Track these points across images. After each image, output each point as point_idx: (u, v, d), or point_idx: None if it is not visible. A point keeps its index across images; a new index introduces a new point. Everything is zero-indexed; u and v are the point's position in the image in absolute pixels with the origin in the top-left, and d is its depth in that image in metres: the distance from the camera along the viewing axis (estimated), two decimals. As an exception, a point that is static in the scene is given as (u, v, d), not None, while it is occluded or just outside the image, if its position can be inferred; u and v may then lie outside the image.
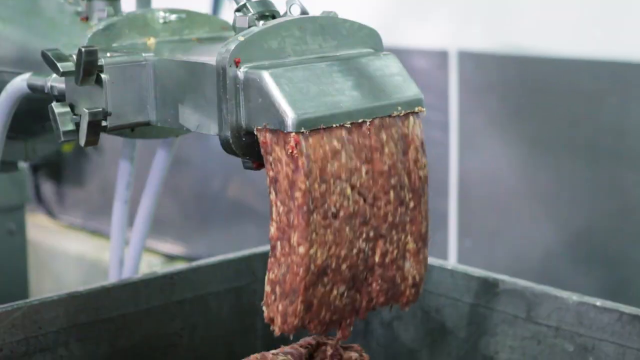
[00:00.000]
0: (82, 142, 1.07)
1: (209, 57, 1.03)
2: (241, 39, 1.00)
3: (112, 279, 1.45)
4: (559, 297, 1.20)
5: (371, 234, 1.03)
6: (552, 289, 1.21)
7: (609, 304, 1.16)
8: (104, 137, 1.14)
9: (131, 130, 1.19)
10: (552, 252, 2.21)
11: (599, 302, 1.17)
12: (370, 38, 1.09)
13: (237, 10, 1.06)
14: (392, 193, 1.04)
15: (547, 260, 2.22)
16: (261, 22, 1.05)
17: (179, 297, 1.30)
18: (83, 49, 1.05)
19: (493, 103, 2.27)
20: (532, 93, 2.22)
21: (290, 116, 0.96)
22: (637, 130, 2.06)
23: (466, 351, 1.28)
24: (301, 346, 1.15)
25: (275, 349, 1.40)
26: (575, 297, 1.19)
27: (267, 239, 1.33)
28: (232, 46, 1.00)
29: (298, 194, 0.97)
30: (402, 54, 1.35)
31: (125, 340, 1.25)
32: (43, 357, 1.18)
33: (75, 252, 3.27)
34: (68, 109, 1.09)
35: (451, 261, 2.12)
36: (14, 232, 2.26)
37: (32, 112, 1.24)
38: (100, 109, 1.07)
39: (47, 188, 3.50)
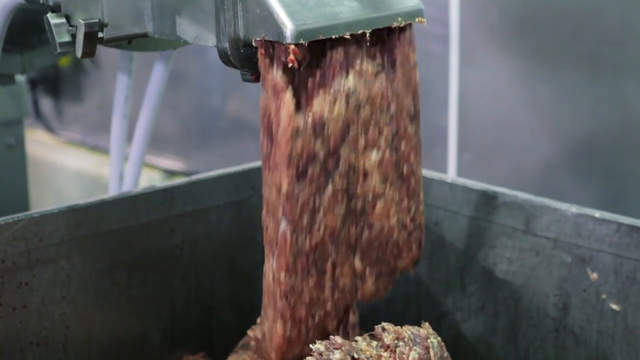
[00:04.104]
0: (79, 53, 1.06)
1: (206, -34, 1.01)
2: (239, -53, 0.98)
3: (112, 193, 1.45)
4: (557, 209, 1.20)
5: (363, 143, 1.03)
6: (551, 201, 1.21)
7: (607, 215, 1.17)
8: (102, 52, 1.13)
9: (128, 43, 1.18)
10: (552, 165, 2.22)
11: (597, 214, 1.17)
12: (369, -53, 1.07)
13: None
14: (388, 105, 1.04)
15: (547, 173, 2.23)
16: None
17: (179, 210, 1.31)
18: (78, -41, 1.03)
19: (494, 15, 2.25)
20: (533, 4, 2.19)
21: (289, 27, 0.95)
22: (638, 41, 2.04)
23: (465, 263, 1.29)
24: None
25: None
26: (574, 208, 1.19)
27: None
28: (230, -45, 0.98)
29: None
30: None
31: (126, 253, 1.26)
32: (44, 268, 1.19)
33: (75, 168, 3.27)
34: (64, 20, 1.08)
35: (450, 175, 2.12)
36: (13, 146, 2.26)
37: (28, 23, 1.22)
38: (97, 20, 1.06)
39: (46, 104, 3.49)
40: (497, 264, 1.26)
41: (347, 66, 1.00)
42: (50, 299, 1.20)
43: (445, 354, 1.08)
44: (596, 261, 1.17)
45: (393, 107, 1.03)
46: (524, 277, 1.24)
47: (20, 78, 2.20)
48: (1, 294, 1.16)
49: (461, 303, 1.30)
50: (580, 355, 1.19)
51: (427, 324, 1.09)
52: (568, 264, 1.20)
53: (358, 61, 1.00)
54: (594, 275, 1.18)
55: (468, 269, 1.29)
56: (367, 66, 1.01)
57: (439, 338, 1.09)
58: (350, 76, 1.00)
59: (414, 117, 1.05)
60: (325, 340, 1.05)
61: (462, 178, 1.31)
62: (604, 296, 1.17)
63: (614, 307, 1.16)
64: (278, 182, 0.99)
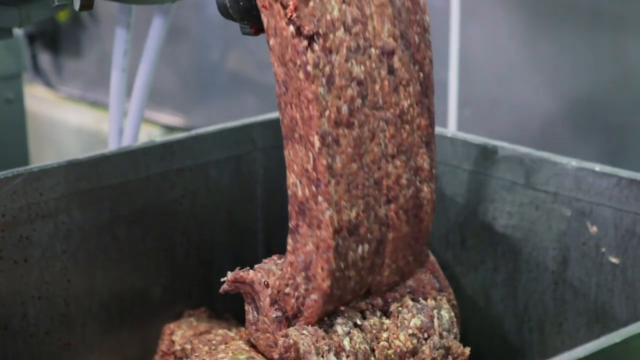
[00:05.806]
0: (77, 6, 1.05)
1: None
2: None
3: (111, 147, 1.45)
4: (557, 163, 1.20)
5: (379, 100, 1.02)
6: (551, 155, 1.21)
7: (607, 168, 1.16)
8: (100, 6, 1.12)
9: (127, -5, 1.17)
10: (552, 120, 2.21)
11: (597, 167, 1.17)
12: None
13: None
14: (397, 52, 1.03)
15: (547, 128, 2.22)
16: None
17: (178, 165, 1.30)
18: None
19: (495, -31, 2.23)
20: (535, -42, 2.18)
21: (288, -21, 0.94)
22: (641, -4, 2.03)
23: (465, 217, 1.29)
24: None
25: (274, 221, 1.41)
26: (574, 162, 1.19)
27: (266, 109, 1.32)
28: None
29: (299, 59, 0.96)
30: None
31: (126, 207, 1.26)
32: (45, 223, 1.19)
33: (75, 123, 3.27)
34: (61, -27, 1.07)
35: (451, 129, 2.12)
36: (12, 101, 2.25)
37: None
38: (95, -27, 1.05)
39: (45, 59, 3.48)
40: (497, 218, 1.26)
41: None
42: (51, 252, 1.20)
43: (455, 329, 1.08)
44: (596, 215, 1.17)
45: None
46: (523, 231, 1.24)
47: (18, 32, 2.19)
48: (2, 248, 1.17)
49: (461, 257, 1.31)
50: (580, 308, 1.20)
51: (444, 299, 1.09)
52: (568, 217, 1.20)
53: None
54: (594, 229, 1.18)
55: (468, 223, 1.29)
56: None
57: (453, 314, 1.09)
58: None
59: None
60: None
61: (463, 132, 1.31)
62: (603, 249, 1.17)
63: (614, 260, 1.16)
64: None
